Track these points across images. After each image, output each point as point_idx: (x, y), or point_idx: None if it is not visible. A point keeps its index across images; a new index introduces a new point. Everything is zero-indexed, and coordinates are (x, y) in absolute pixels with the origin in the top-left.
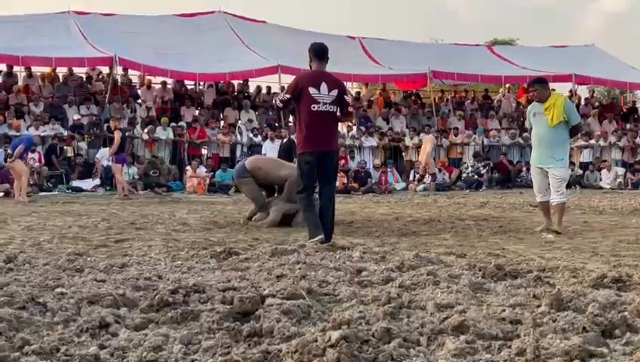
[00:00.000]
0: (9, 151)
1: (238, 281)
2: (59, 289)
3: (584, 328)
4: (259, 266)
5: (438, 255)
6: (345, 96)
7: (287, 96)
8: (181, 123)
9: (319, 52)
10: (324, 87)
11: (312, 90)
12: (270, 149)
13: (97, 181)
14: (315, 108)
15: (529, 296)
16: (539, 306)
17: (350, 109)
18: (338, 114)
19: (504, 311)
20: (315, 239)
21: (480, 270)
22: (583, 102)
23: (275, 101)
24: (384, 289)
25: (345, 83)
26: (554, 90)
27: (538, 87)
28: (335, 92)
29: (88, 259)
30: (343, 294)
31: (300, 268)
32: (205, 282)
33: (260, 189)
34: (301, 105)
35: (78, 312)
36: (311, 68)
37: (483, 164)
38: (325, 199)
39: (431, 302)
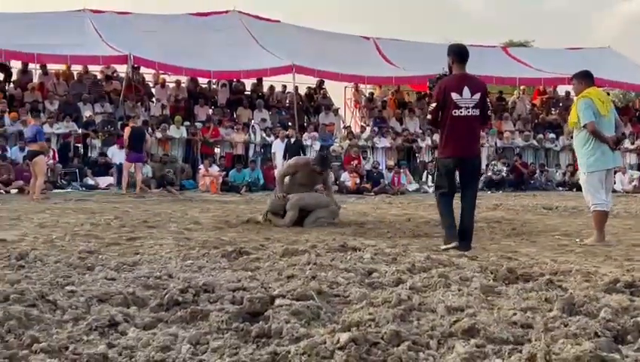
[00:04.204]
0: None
1: (248, 281)
2: (69, 287)
3: (596, 333)
4: (269, 266)
5: (449, 257)
6: (487, 99)
7: (434, 104)
8: (197, 123)
9: (461, 54)
10: (466, 90)
11: (454, 95)
12: (279, 148)
13: (111, 179)
14: (457, 113)
15: (541, 300)
16: (550, 310)
17: (490, 113)
18: (479, 116)
19: (515, 314)
20: (449, 246)
21: (492, 273)
22: None
23: (428, 116)
24: (394, 291)
25: (359, 84)
26: (607, 93)
27: (574, 80)
28: (478, 95)
29: (99, 256)
30: (353, 296)
31: (310, 269)
32: (215, 282)
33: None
34: (444, 110)
35: (88, 311)
36: (450, 70)
37: (505, 162)
38: (467, 204)
39: (441, 305)
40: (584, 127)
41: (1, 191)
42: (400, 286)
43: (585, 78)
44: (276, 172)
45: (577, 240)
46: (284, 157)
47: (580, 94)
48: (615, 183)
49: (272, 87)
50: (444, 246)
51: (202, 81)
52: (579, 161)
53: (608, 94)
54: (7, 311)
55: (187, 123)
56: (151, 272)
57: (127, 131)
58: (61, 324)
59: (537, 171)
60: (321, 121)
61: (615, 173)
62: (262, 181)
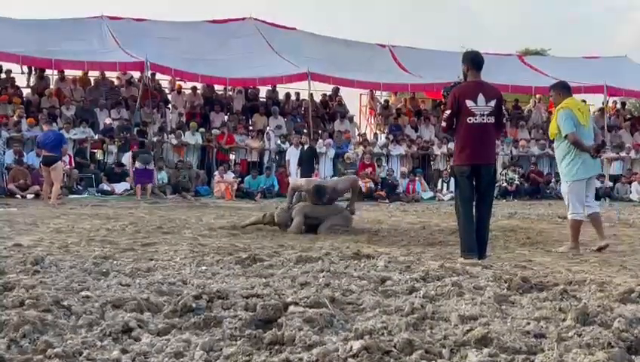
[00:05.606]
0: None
1: (262, 288)
2: (84, 293)
3: (609, 344)
4: (283, 273)
5: (463, 265)
6: (502, 107)
7: (448, 112)
8: (215, 131)
9: (477, 62)
10: (481, 98)
11: (468, 103)
12: (294, 155)
13: (127, 185)
14: (471, 121)
15: (555, 310)
16: (564, 320)
17: (505, 121)
18: (494, 124)
19: (529, 324)
20: (468, 261)
21: (506, 282)
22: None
23: (442, 124)
24: (408, 299)
25: (374, 91)
26: (583, 100)
27: (552, 91)
28: (493, 102)
29: (114, 262)
30: (367, 303)
31: (323, 277)
32: (229, 288)
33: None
34: (458, 117)
35: (102, 316)
36: (465, 78)
37: (515, 169)
38: (482, 212)
39: (454, 314)
40: (565, 137)
41: (18, 196)
42: (413, 295)
43: (563, 90)
44: (290, 180)
45: (555, 249)
46: (299, 164)
47: (559, 105)
48: (632, 193)
49: (287, 94)
50: (462, 260)
51: (218, 88)
52: (560, 170)
53: (625, 103)
54: (22, 316)
55: (202, 129)
56: (165, 278)
57: (129, 156)
58: (75, 330)
59: (553, 180)
60: (337, 129)
61: (631, 182)
62: (277, 187)
